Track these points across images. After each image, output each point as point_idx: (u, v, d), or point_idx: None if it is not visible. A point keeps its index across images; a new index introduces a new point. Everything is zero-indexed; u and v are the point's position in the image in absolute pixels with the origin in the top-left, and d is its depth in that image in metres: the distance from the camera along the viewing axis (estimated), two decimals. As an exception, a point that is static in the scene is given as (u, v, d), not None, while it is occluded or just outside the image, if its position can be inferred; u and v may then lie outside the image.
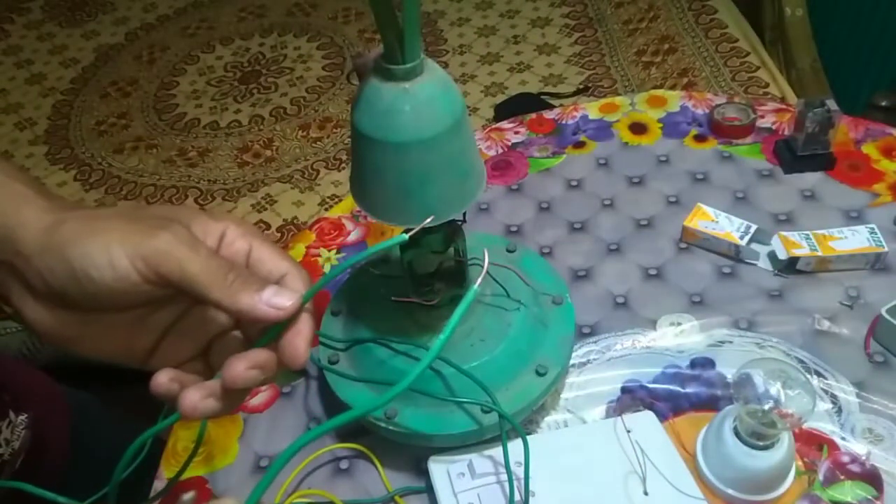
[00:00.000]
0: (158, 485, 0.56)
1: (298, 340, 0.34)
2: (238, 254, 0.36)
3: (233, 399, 0.34)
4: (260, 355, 0.34)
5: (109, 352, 0.35)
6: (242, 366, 0.33)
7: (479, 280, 0.36)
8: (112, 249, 0.32)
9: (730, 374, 0.58)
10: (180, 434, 0.60)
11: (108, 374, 0.37)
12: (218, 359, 0.37)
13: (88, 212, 0.34)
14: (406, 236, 0.35)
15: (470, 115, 1.82)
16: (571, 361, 0.59)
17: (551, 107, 1.20)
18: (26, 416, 0.57)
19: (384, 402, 0.35)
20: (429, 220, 0.41)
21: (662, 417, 0.55)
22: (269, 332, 0.35)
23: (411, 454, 0.55)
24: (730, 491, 0.49)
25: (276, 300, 0.33)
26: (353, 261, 0.36)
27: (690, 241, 0.68)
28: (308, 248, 0.74)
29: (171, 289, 0.33)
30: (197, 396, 0.33)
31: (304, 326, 0.34)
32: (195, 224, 0.35)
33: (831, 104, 0.71)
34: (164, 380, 0.33)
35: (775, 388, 0.47)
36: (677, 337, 0.61)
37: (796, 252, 0.63)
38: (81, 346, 0.35)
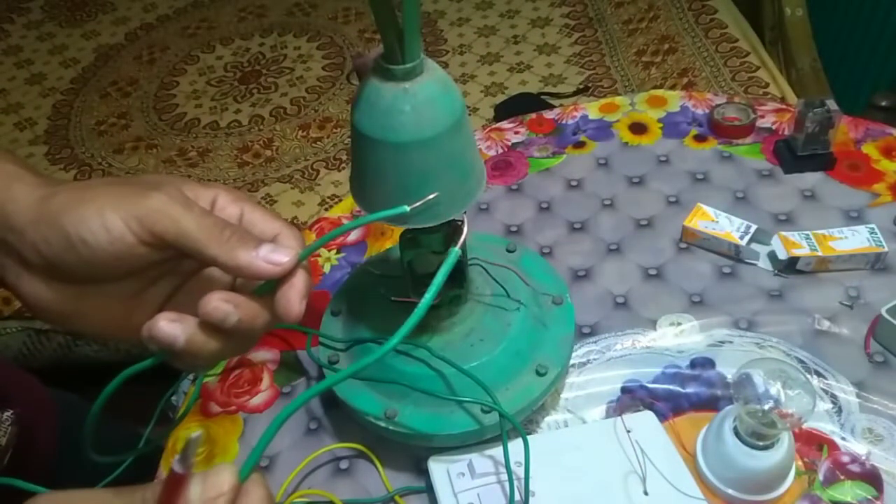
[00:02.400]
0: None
1: (292, 293, 0.34)
2: (231, 218, 0.36)
3: (204, 340, 0.33)
4: (239, 296, 0.33)
5: (107, 326, 0.35)
6: (217, 296, 0.32)
7: (461, 242, 0.37)
8: (105, 213, 0.32)
9: (730, 374, 0.58)
10: (180, 434, 0.60)
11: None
12: None
13: (78, 183, 0.34)
14: (406, 208, 0.35)
15: (470, 115, 1.82)
16: (571, 361, 0.59)
17: (551, 107, 1.20)
18: (12, 412, 0.57)
19: (380, 355, 0.35)
20: (431, 196, 0.41)
21: (662, 417, 0.55)
22: (261, 286, 0.35)
23: (411, 454, 0.55)
24: (730, 491, 0.49)
25: (273, 256, 0.33)
26: (358, 223, 0.37)
27: (690, 241, 0.68)
28: (308, 248, 0.74)
29: (166, 250, 0.33)
30: (165, 318, 0.32)
31: (298, 280, 0.34)
32: (186, 189, 0.35)
33: (831, 104, 0.71)
34: (166, 322, 0.32)
35: (775, 388, 0.47)
36: (677, 337, 0.61)
37: (796, 252, 0.63)
38: (79, 321, 0.34)
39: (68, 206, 0.32)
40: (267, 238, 0.35)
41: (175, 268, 0.36)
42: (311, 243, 0.35)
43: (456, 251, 0.36)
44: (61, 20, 2.52)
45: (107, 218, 0.32)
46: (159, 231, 0.32)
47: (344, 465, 0.56)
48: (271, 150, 1.90)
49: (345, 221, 0.76)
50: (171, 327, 0.32)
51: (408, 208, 0.35)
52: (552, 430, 0.56)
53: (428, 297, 0.35)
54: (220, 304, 0.32)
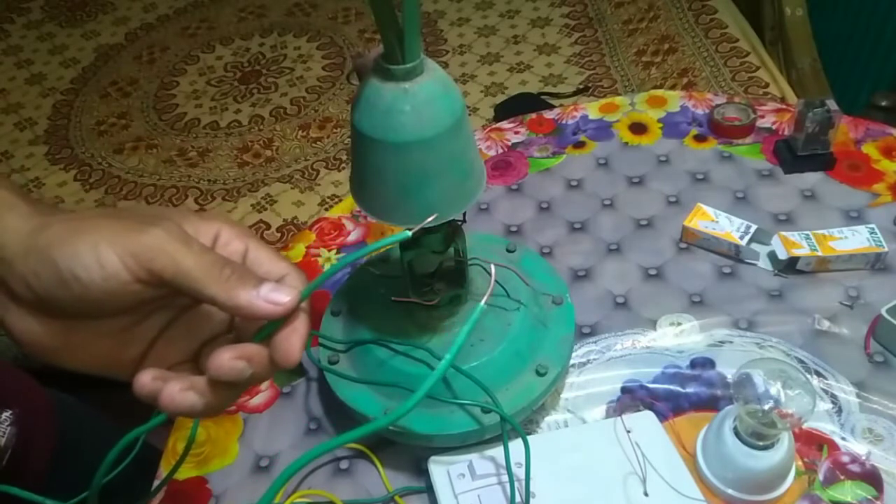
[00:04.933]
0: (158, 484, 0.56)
1: (294, 338, 0.33)
2: (234, 255, 0.34)
3: (219, 396, 0.32)
4: (249, 348, 0.32)
5: (96, 363, 0.34)
6: (228, 355, 0.31)
7: (486, 298, 0.35)
8: (100, 248, 0.30)
9: (730, 374, 0.58)
10: (180, 434, 0.60)
11: (98, 381, 0.35)
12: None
13: (73, 214, 0.33)
14: (409, 233, 0.34)
15: (470, 115, 1.82)
16: (571, 361, 0.59)
17: (551, 107, 1.20)
18: (11, 412, 0.57)
19: (404, 412, 0.33)
20: (431, 218, 0.41)
21: (662, 417, 0.55)
22: (262, 330, 0.33)
23: (411, 454, 0.55)
24: (730, 491, 0.49)
25: (274, 296, 0.32)
26: (352, 258, 0.35)
27: (690, 241, 0.68)
28: (308, 248, 0.74)
29: (162, 287, 0.31)
30: (176, 388, 0.31)
31: (300, 325, 0.33)
32: (186, 224, 0.33)
33: (831, 104, 0.71)
34: (147, 379, 0.32)
35: (775, 388, 0.47)
36: (677, 337, 0.61)
37: (796, 252, 0.63)
38: (66, 357, 0.33)
39: (61, 240, 0.31)
40: (273, 279, 0.33)
41: (169, 302, 0.35)
42: (312, 281, 0.34)
43: (481, 307, 0.35)
44: (61, 20, 2.52)
45: (101, 253, 0.30)
46: (156, 269, 0.30)
47: (344, 465, 0.56)
48: (271, 150, 1.90)
49: (344, 221, 0.76)
50: (187, 397, 0.31)
51: (410, 233, 0.34)
52: (552, 431, 0.56)
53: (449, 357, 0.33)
54: (235, 362, 0.31)
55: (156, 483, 0.56)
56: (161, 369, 0.33)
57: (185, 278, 0.31)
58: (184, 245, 0.31)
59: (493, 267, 0.39)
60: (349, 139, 0.49)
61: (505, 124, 0.85)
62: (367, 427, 0.32)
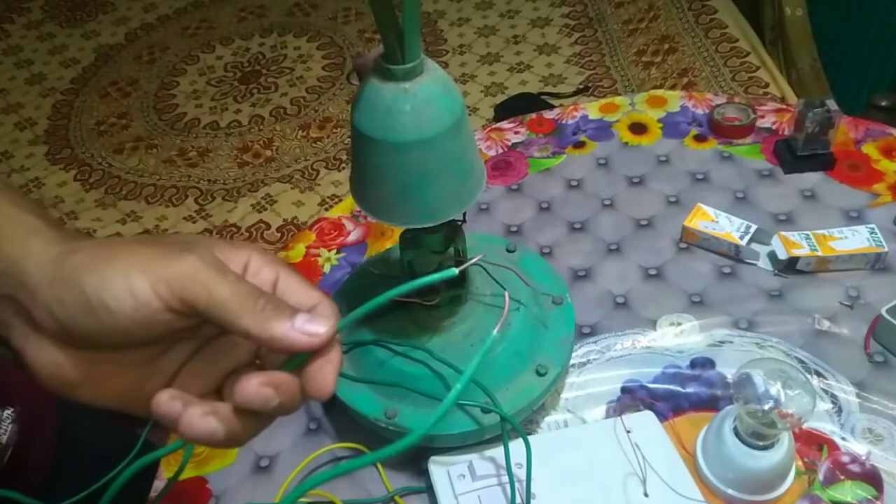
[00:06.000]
0: (158, 485, 0.56)
1: (328, 368, 0.31)
2: (265, 283, 0.33)
3: (243, 425, 0.31)
4: (278, 376, 0.31)
5: (116, 397, 0.32)
6: (256, 381, 0.30)
7: (498, 327, 0.34)
8: (132, 275, 0.29)
9: (730, 374, 0.58)
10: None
11: None
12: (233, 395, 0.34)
13: (102, 240, 0.31)
14: (455, 271, 0.31)
15: (470, 115, 1.82)
16: (571, 361, 0.59)
17: (551, 107, 1.20)
18: (12, 410, 0.57)
19: (430, 426, 0.32)
20: (477, 257, 0.39)
21: (662, 417, 0.55)
22: (292, 359, 0.32)
23: (411, 454, 0.55)
24: (730, 491, 0.49)
25: (309, 327, 0.30)
26: (394, 293, 0.32)
27: (690, 241, 0.68)
28: (308, 248, 0.74)
29: (193, 317, 0.30)
30: (197, 412, 0.30)
31: (334, 356, 0.32)
32: (217, 252, 0.32)
33: (831, 104, 0.71)
34: (164, 398, 0.30)
35: (775, 388, 0.47)
36: (677, 337, 0.61)
37: (796, 252, 0.63)
38: (86, 391, 0.32)
39: (89, 266, 0.29)
40: (304, 309, 0.32)
41: (194, 333, 0.33)
42: (350, 313, 0.32)
43: (493, 335, 0.33)
44: (61, 20, 2.52)
45: (133, 281, 0.29)
46: (189, 298, 0.29)
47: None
48: (271, 150, 1.90)
49: (345, 221, 0.76)
50: (207, 422, 0.30)
51: (456, 271, 0.32)
52: (552, 431, 0.56)
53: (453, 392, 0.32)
54: (262, 389, 0.30)
55: (156, 483, 0.56)
56: (179, 391, 0.31)
57: (219, 309, 0.30)
58: (218, 274, 0.30)
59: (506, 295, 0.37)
60: (349, 139, 0.49)
61: (505, 124, 0.85)
62: (402, 442, 0.30)
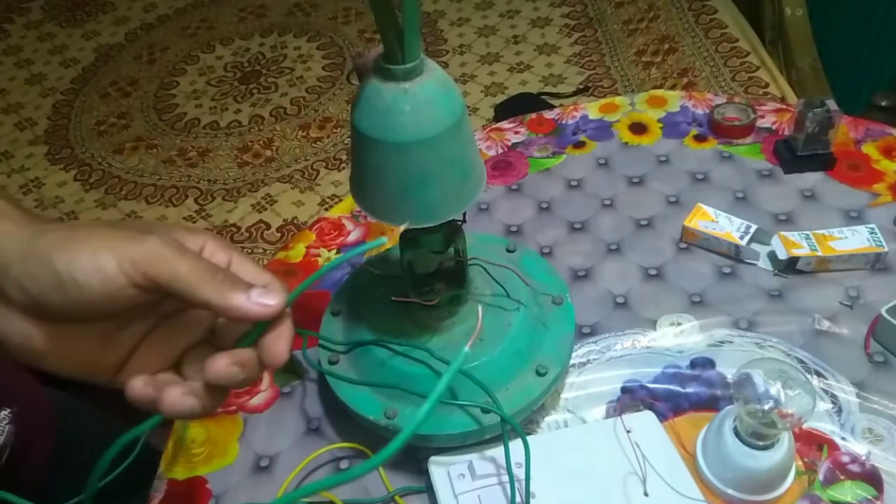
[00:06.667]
0: (158, 484, 0.56)
1: (281, 341, 0.35)
2: (220, 264, 0.36)
3: (214, 399, 0.36)
4: (241, 354, 0.35)
5: (78, 366, 0.35)
6: (225, 361, 0.34)
7: (470, 343, 0.38)
8: (100, 254, 0.32)
9: (730, 374, 0.58)
10: (180, 435, 0.60)
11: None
12: (192, 369, 0.38)
13: (70, 223, 0.35)
14: (384, 239, 0.35)
15: (470, 115, 1.82)
16: (571, 361, 0.59)
17: (551, 107, 1.20)
18: (10, 410, 0.57)
19: (416, 425, 0.35)
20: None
21: (662, 417, 0.55)
22: (247, 335, 0.36)
23: (411, 454, 0.55)
24: (730, 491, 0.49)
25: (263, 299, 0.34)
26: (335, 263, 0.37)
27: (690, 241, 0.68)
28: (308, 248, 0.74)
29: (155, 293, 0.33)
30: (177, 392, 0.34)
31: (285, 328, 0.36)
32: (175, 235, 0.36)
33: (831, 104, 0.71)
34: (139, 384, 0.34)
35: (775, 388, 0.47)
36: (677, 337, 0.61)
37: (796, 252, 0.63)
38: (51, 359, 0.35)
39: (61, 246, 0.32)
40: (258, 286, 0.36)
41: (153, 309, 0.37)
42: (297, 286, 0.36)
43: (466, 352, 0.37)
44: (61, 20, 2.52)
45: (101, 259, 0.32)
46: (153, 273, 0.33)
47: (344, 465, 0.56)
48: (271, 150, 1.90)
49: (344, 221, 0.76)
50: (187, 401, 0.34)
51: (385, 240, 0.36)
52: (552, 431, 0.56)
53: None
54: (231, 367, 0.34)
55: (156, 482, 0.56)
56: (150, 375, 0.35)
57: (180, 283, 0.33)
58: (179, 252, 0.33)
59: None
60: (349, 139, 0.49)
61: (505, 124, 0.85)
62: (396, 442, 0.33)
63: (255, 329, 0.35)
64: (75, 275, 0.32)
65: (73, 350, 0.35)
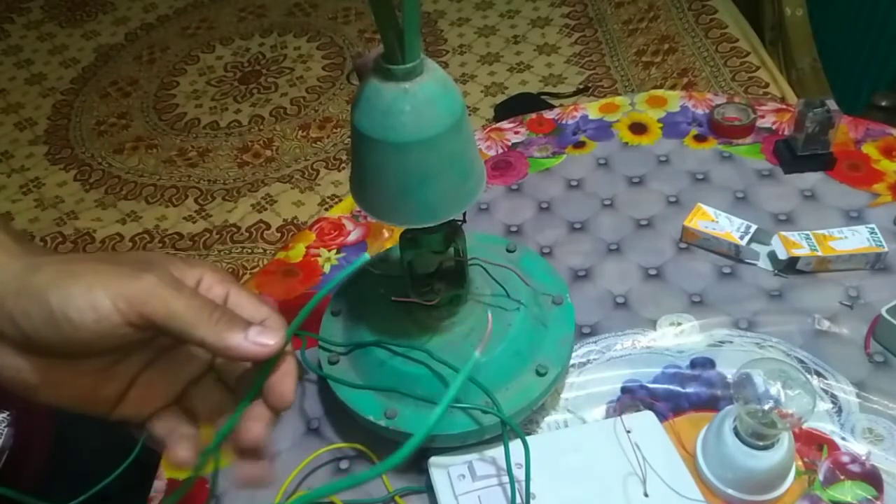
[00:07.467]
0: (159, 484, 0.56)
1: (286, 381, 0.35)
2: (217, 299, 0.36)
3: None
4: (265, 415, 0.35)
5: (73, 399, 0.35)
6: (259, 428, 0.35)
7: (480, 349, 0.38)
8: (94, 291, 0.31)
9: (730, 374, 0.58)
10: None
11: None
12: (198, 403, 0.38)
13: (64, 257, 0.34)
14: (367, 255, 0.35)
15: (470, 115, 1.82)
16: (571, 361, 0.59)
17: (551, 107, 1.20)
18: (8, 414, 0.57)
19: (428, 428, 0.35)
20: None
21: (662, 417, 0.55)
22: (256, 382, 0.35)
23: (411, 454, 0.55)
24: (730, 491, 0.49)
25: (261, 339, 0.33)
26: (324, 293, 0.36)
27: (690, 241, 0.68)
28: (308, 248, 0.74)
29: (151, 330, 0.33)
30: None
31: (289, 367, 0.35)
32: (172, 269, 0.35)
33: (831, 104, 0.71)
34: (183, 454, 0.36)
35: (775, 388, 0.47)
36: (677, 337, 0.61)
37: (796, 252, 0.63)
38: (45, 393, 0.34)
39: (55, 282, 0.32)
40: (254, 322, 0.35)
41: (149, 343, 0.36)
42: (295, 318, 0.35)
43: (476, 356, 0.37)
44: (61, 20, 2.52)
45: (95, 297, 0.31)
46: (148, 312, 0.32)
47: (344, 465, 0.56)
48: (271, 150, 1.90)
49: (345, 221, 0.76)
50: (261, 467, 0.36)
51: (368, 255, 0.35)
52: (552, 431, 0.56)
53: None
54: (269, 429, 0.35)
55: (156, 483, 0.56)
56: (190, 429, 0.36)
57: (176, 321, 0.32)
58: (175, 290, 0.33)
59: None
60: (349, 139, 0.49)
61: (505, 124, 0.85)
62: (406, 449, 0.34)
63: (259, 379, 0.35)
64: (69, 312, 0.31)
65: (68, 384, 0.34)
